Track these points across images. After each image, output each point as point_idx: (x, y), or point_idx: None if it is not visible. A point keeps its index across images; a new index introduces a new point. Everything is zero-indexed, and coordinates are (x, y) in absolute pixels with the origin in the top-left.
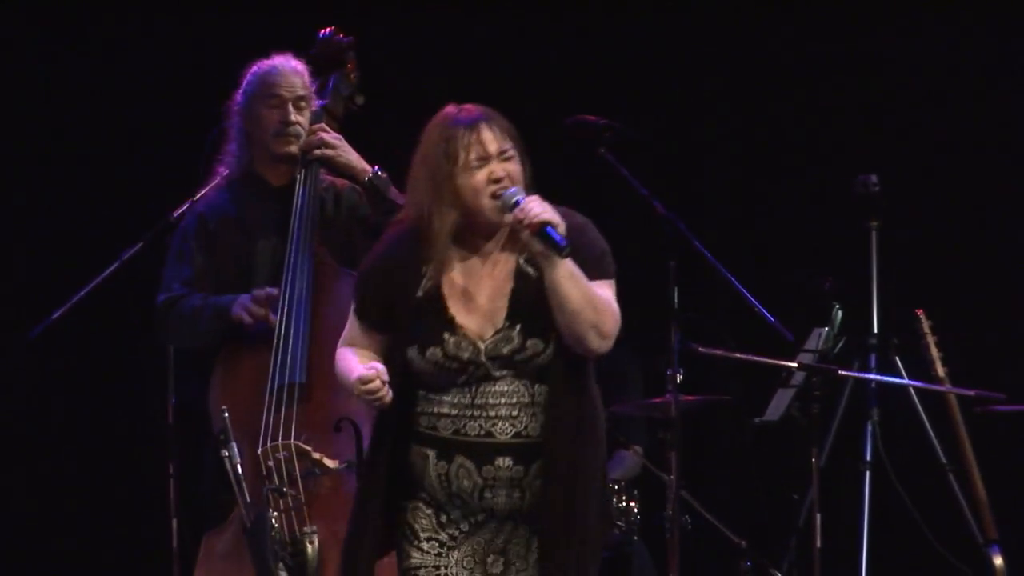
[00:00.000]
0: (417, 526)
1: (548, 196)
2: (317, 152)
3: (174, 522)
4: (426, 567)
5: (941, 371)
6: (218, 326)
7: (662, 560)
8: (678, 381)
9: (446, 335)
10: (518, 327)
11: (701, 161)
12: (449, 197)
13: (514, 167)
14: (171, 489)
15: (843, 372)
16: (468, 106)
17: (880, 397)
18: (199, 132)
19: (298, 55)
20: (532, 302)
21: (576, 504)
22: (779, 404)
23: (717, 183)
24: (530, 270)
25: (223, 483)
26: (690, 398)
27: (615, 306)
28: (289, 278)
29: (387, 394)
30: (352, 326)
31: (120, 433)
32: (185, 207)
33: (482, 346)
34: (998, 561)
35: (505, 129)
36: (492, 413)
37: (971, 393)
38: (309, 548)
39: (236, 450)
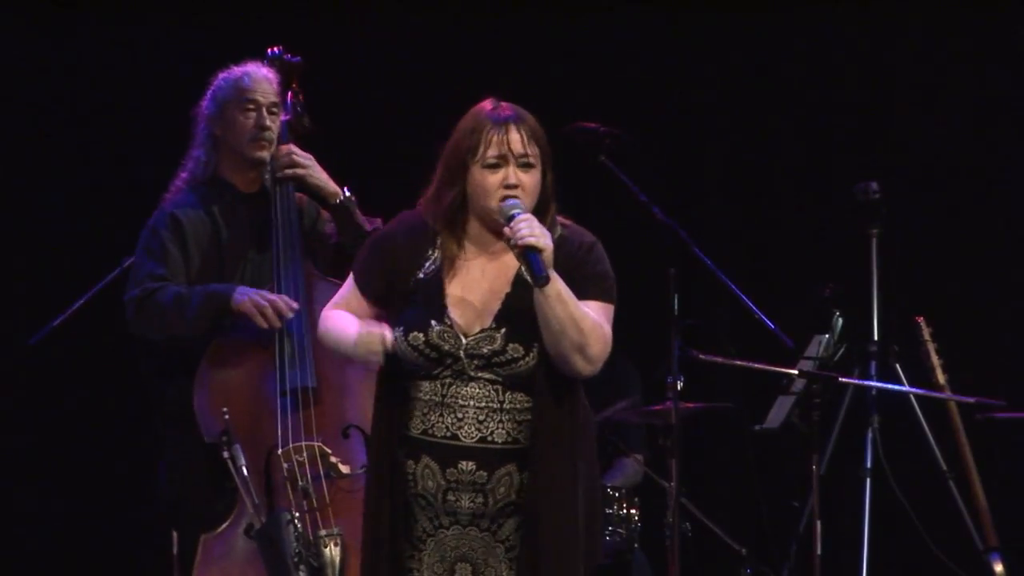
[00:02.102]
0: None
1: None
2: (289, 172)
3: (174, 532)
4: (405, 572)
5: (941, 378)
6: (211, 313)
7: (662, 567)
8: (678, 388)
9: (433, 322)
10: (503, 330)
11: (701, 168)
12: (458, 184)
13: (530, 178)
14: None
15: (843, 379)
16: (504, 104)
17: (880, 404)
18: None
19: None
20: (523, 310)
21: (559, 516)
22: (780, 411)
23: (717, 190)
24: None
25: (217, 485)
26: (690, 405)
27: (606, 330)
28: (282, 286)
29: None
30: (348, 291)
31: (120, 439)
32: None
33: (464, 341)
34: (999, 568)
35: (534, 135)
36: (460, 415)
37: (971, 400)
38: (326, 550)
39: (240, 451)
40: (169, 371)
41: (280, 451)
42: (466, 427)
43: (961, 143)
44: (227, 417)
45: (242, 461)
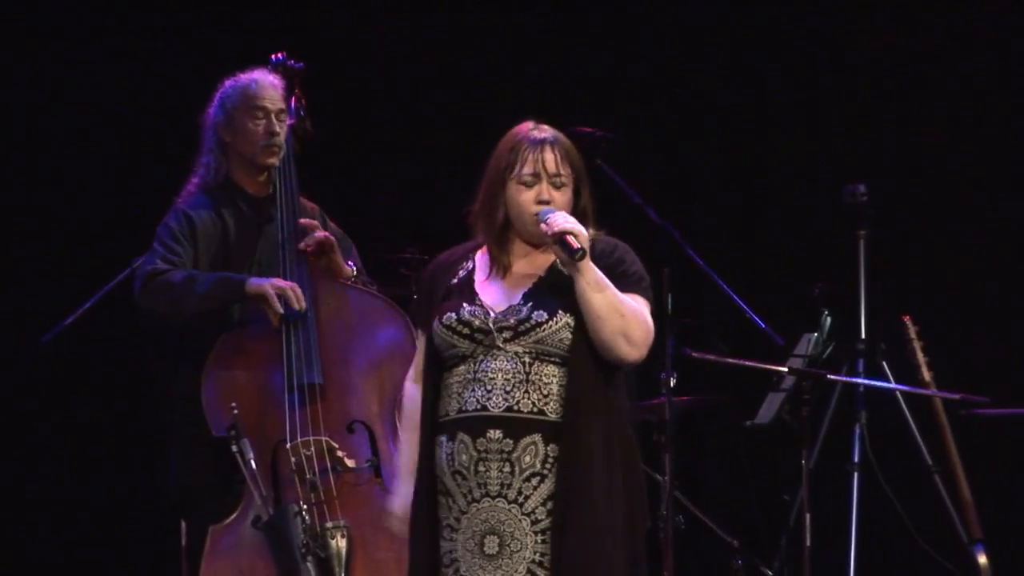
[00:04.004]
0: (439, 515)
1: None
2: (322, 260)
3: (183, 523)
4: (447, 554)
5: (927, 375)
6: (222, 294)
7: (657, 559)
8: (672, 384)
9: (465, 304)
10: (530, 303)
11: (694, 171)
12: (500, 199)
13: (562, 196)
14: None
15: (832, 376)
16: (544, 126)
17: (868, 401)
18: None
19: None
20: (552, 288)
21: (591, 490)
22: (770, 407)
23: (709, 192)
24: (564, 269)
25: (225, 478)
26: (684, 399)
27: (646, 317)
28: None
29: None
30: (419, 345)
31: (130, 434)
32: None
33: (492, 314)
34: (982, 560)
35: (567, 156)
36: (489, 387)
37: (956, 397)
38: (333, 542)
39: (248, 446)
40: (178, 366)
41: (288, 445)
42: (494, 398)
43: (947, 146)
44: (235, 412)
45: (250, 455)
